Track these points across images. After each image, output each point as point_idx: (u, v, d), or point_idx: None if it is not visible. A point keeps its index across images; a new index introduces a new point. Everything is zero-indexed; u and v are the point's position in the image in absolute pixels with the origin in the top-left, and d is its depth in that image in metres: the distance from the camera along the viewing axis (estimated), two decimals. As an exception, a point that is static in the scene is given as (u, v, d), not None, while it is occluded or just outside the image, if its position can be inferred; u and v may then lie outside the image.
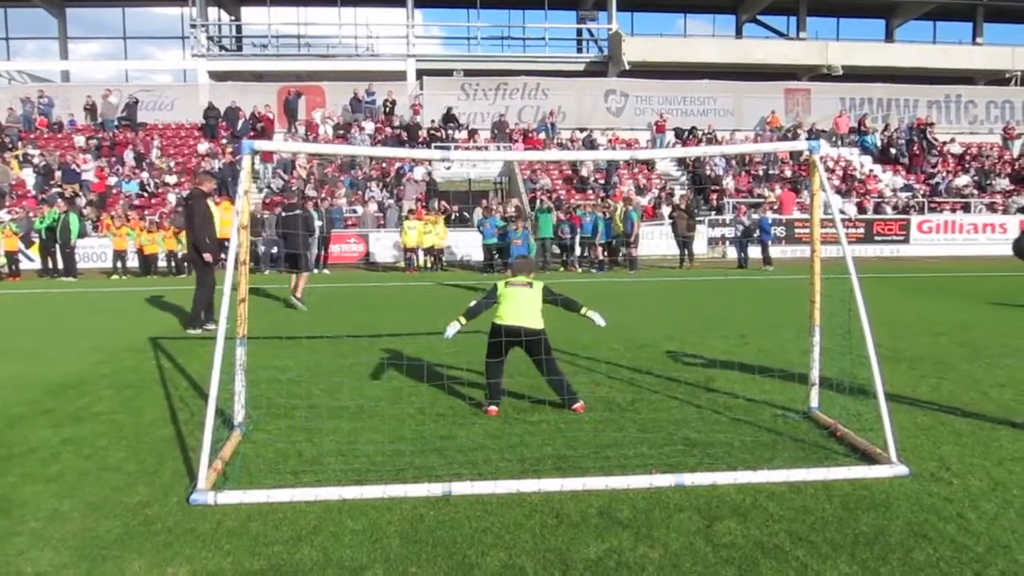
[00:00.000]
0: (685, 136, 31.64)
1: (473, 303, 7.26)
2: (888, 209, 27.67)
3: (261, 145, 6.14)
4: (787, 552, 4.21)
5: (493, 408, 6.95)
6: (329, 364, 8.90)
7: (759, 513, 4.70)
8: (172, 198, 25.55)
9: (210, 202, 11.74)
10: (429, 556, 4.19)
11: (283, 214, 16.95)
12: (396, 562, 4.13)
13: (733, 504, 4.83)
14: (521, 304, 7.05)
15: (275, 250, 21.75)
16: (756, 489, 5.03)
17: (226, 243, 20.73)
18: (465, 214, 26.09)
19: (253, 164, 6.78)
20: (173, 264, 21.49)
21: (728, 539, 4.37)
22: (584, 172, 28.55)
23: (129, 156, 28.10)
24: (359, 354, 9.47)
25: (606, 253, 22.03)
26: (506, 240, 20.42)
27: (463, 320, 7.09)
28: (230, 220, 18.84)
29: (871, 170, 31.22)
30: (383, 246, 24.09)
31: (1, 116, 30.37)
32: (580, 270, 21.81)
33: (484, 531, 4.48)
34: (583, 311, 7.26)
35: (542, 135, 30.74)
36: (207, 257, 11.33)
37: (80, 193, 25.24)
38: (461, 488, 4.98)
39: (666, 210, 25.56)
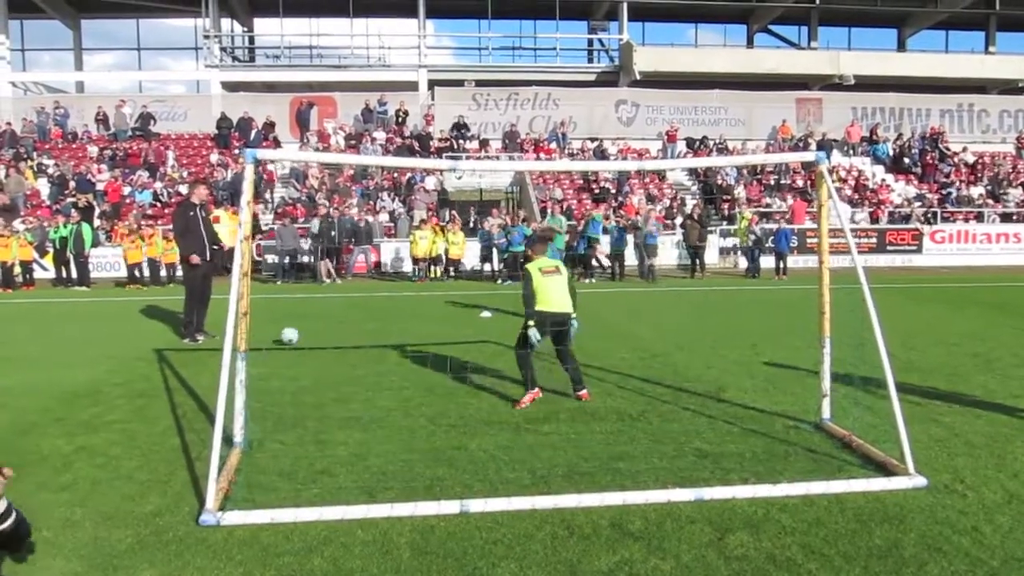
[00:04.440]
0: (696, 146, 31.61)
1: (527, 310, 7.47)
2: (918, 225, 27.30)
3: (264, 154, 6.15)
4: (799, 565, 4.18)
5: (537, 391, 7.50)
6: (340, 374, 8.92)
7: (771, 525, 4.67)
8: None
9: (200, 212, 11.69)
10: (440, 568, 4.18)
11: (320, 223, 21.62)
12: (407, 574, 4.13)
13: (745, 516, 4.80)
14: (558, 291, 7.52)
15: (287, 260, 21.88)
16: (769, 501, 5.01)
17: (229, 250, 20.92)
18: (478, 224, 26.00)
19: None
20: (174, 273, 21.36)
21: (740, 551, 4.34)
22: (607, 185, 28.47)
23: (143, 166, 28.31)
24: (370, 364, 9.49)
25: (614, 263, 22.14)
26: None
27: (533, 323, 7.40)
28: (233, 230, 18.93)
29: (883, 180, 31.09)
30: (394, 255, 24.10)
31: (17, 127, 30.64)
32: (588, 281, 21.75)
33: (495, 543, 4.47)
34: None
35: (553, 145, 30.78)
36: (193, 259, 11.42)
37: (94, 203, 25.39)
38: (475, 506, 4.92)
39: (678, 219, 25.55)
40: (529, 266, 7.64)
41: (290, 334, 11.02)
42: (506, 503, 4.95)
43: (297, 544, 4.46)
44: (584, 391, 7.62)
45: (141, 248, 21.11)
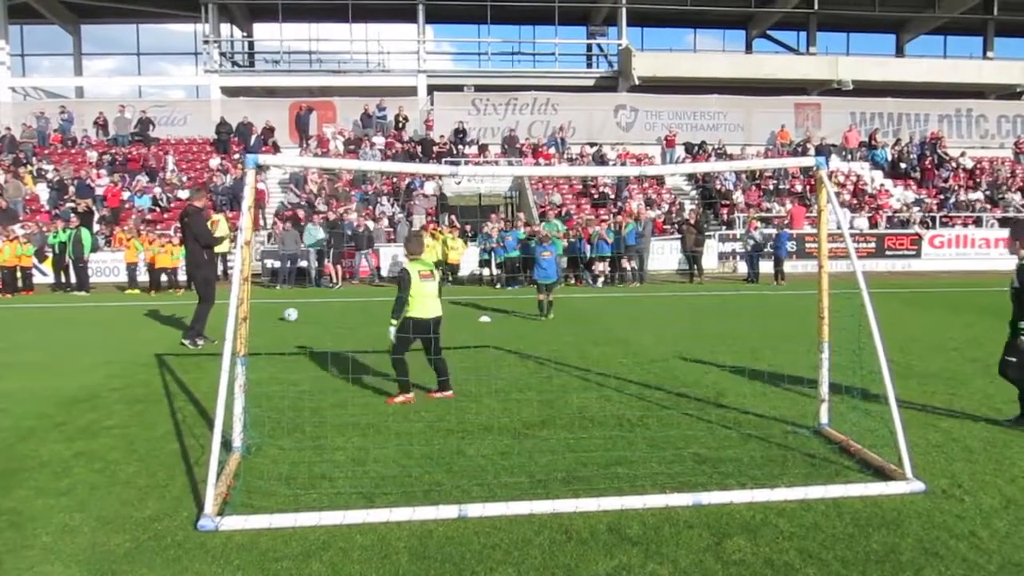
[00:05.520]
0: (695, 151, 31.66)
1: (395, 303, 7.87)
2: (916, 230, 27.23)
3: (265, 159, 6.15)
4: (797, 570, 4.19)
5: (412, 395, 7.83)
6: (339, 379, 8.92)
7: (769, 530, 4.68)
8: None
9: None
10: (438, 573, 4.18)
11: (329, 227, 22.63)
12: (405, 578, 4.14)
13: (743, 521, 4.81)
14: (432, 295, 7.91)
15: (289, 264, 21.90)
16: (766, 506, 5.01)
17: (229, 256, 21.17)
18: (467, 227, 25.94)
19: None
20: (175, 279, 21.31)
21: (737, 556, 4.35)
22: (606, 190, 28.49)
23: (142, 171, 28.34)
24: (368, 369, 9.49)
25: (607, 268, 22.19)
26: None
27: (395, 321, 7.86)
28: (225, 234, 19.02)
29: (882, 185, 31.15)
30: (396, 261, 24.08)
31: (16, 132, 30.68)
32: (582, 284, 21.79)
33: (493, 547, 4.47)
34: None
35: (552, 150, 30.81)
36: (221, 231, 11.80)
37: (94, 208, 25.41)
38: (473, 510, 4.92)
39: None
40: (409, 267, 7.88)
41: (292, 313, 13.94)
42: (504, 508, 4.95)
43: (296, 549, 4.46)
44: (449, 392, 7.97)
45: (136, 251, 21.14)
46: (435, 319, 7.93)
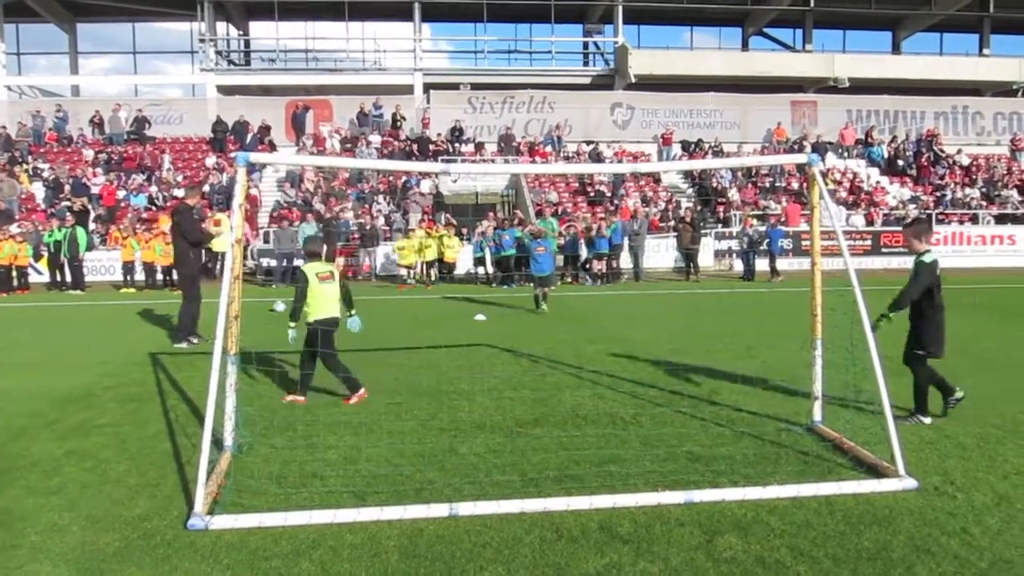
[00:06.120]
0: (691, 149, 31.67)
1: (294, 305, 7.66)
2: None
3: (258, 157, 6.13)
4: (788, 568, 4.18)
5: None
6: (330, 378, 8.88)
7: (760, 528, 4.67)
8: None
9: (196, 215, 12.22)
10: (427, 571, 4.17)
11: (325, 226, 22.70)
12: (394, 577, 4.12)
13: (734, 519, 4.80)
14: (331, 297, 7.72)
15: (285, 263, 21.87)
16: (758, 504, 5.00)
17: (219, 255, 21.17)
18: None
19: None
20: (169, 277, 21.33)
21: (729, 554, 4.34)
22: (602, 188, 28.46)
23: (138, 170, 28.30)
24: (361, 367, 9.45)
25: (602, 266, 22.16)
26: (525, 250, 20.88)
27: (294, 323, 7.66)
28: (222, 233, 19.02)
29: (878, 182, 31.17)
30: (389, 259, 24.06)
31: (12, 130, 30.60)
32: (580, 283, 21.78)
33: (483, 546, 4.46)
34: (351, 312, 7.96)
35: (548, 148, 30.80)
36: (217, 228, 12.43)
37: (89, 207, 25.36)
38: (464, 509, 4.90)
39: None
40: (305, 268, 7.70)
41: (281, 306, 14.53)
42: (495, 506, 4.94)
43: (285, 548, 4.45)
44: (354, 397, 7.70)
45: (132, 250, 21.15)
46: (330, 319, 7.69)
